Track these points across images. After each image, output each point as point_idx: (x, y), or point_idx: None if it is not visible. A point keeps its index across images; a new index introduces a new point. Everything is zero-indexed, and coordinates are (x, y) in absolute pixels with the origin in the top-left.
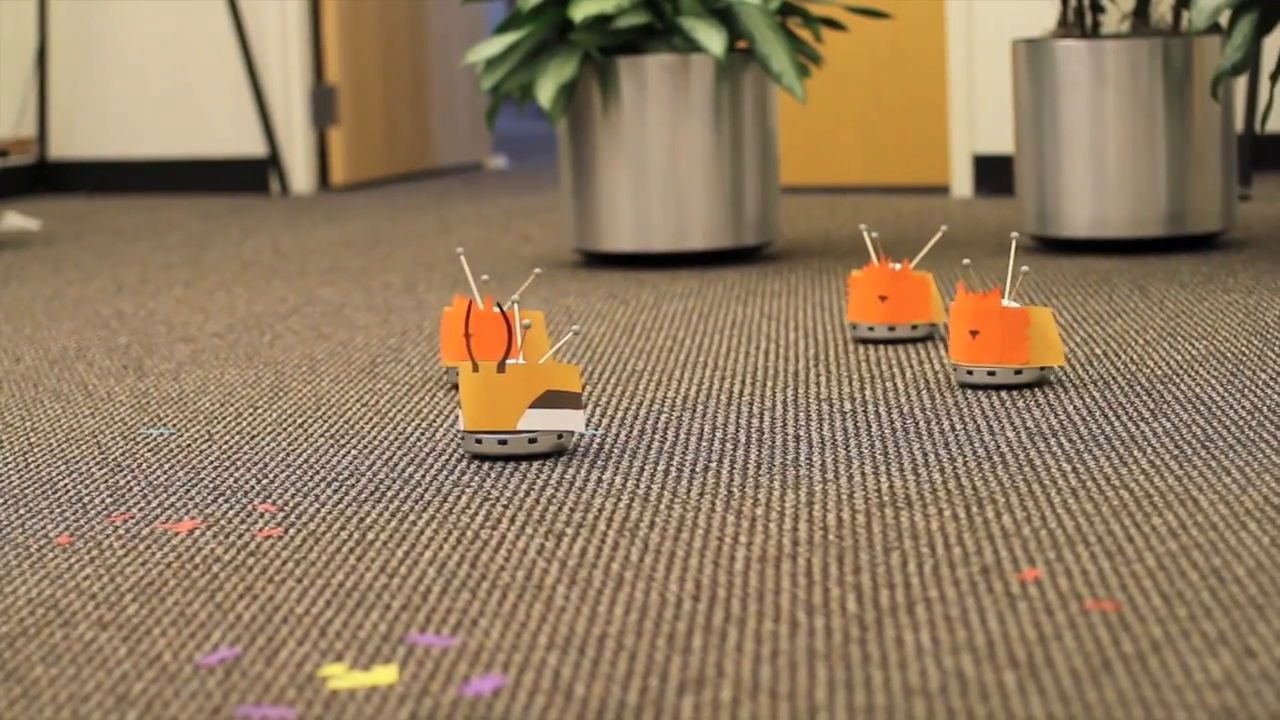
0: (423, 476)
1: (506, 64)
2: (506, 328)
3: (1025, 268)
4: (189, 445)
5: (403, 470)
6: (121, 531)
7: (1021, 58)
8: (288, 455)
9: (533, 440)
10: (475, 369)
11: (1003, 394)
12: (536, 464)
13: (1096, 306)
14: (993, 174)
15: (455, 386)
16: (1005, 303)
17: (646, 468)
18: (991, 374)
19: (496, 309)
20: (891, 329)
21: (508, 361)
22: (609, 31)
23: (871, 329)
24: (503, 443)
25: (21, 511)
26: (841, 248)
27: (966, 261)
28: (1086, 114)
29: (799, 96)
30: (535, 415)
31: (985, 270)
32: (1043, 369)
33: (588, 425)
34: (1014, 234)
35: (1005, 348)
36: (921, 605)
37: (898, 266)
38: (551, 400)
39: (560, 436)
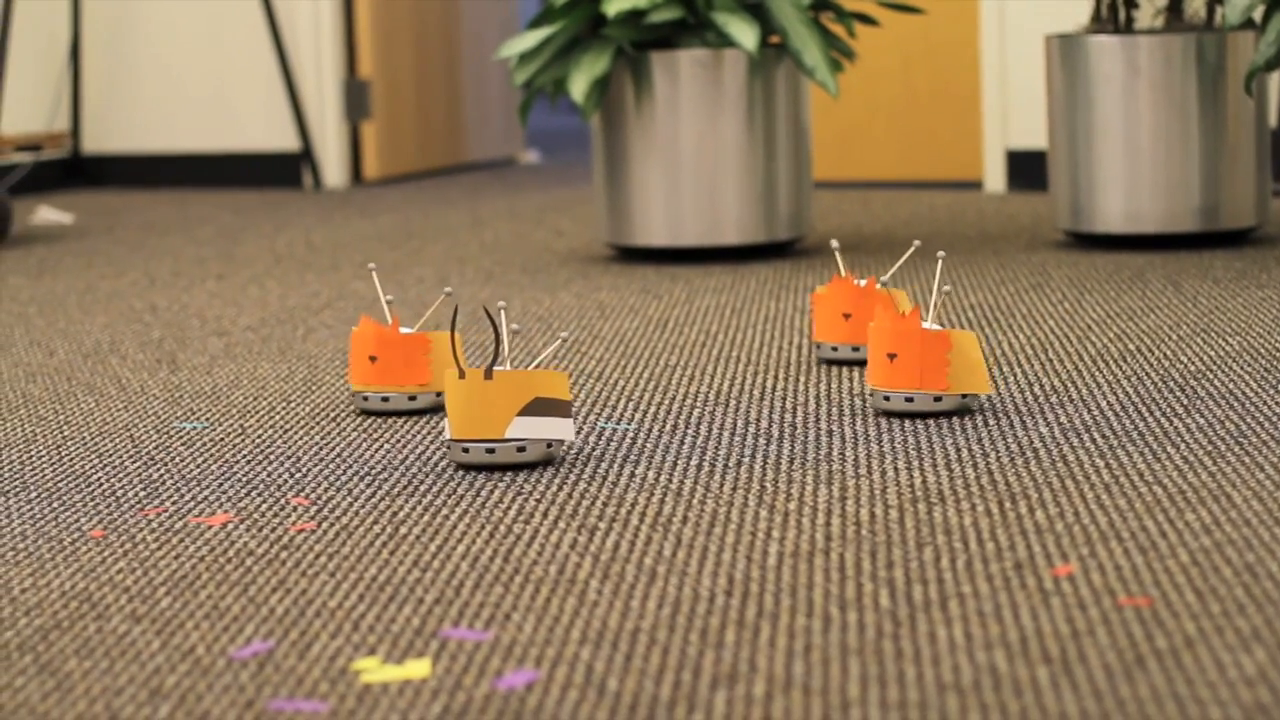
0: (455, 470)
1: (539, 59)
2: (494, 332)
3: (947, 287)
4: (222, 439)
5: (435, 464)
6: (155, 525)
7: (1055, 53)
8: (320, 449)
9: (521, 449)
10: (462, 375)
11: (1037, 390)
12: (569, 459)
13: (1130, 302)
14: (1026, 169)
15: (364, 413)
16: (926, 325)
17: (679, 462)
18: (909, 400)
19: (484, 316)
20: (856, 349)
21: (494, 368)
22: (642, 26)
23: (835, 349)
24: (490, 451)
25: (55, 505)
26: (874, 243)
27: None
28: (1120, 109)
29: (832, 91)
30: (523, 423)
31: (1017, 265)
32: (965, 396)
33: (620, 419)
34: (940, 253)
35: (925, 373)
36: (954, 601)
37: (863, 282)
38: (540, 408)
39: (549, 445)
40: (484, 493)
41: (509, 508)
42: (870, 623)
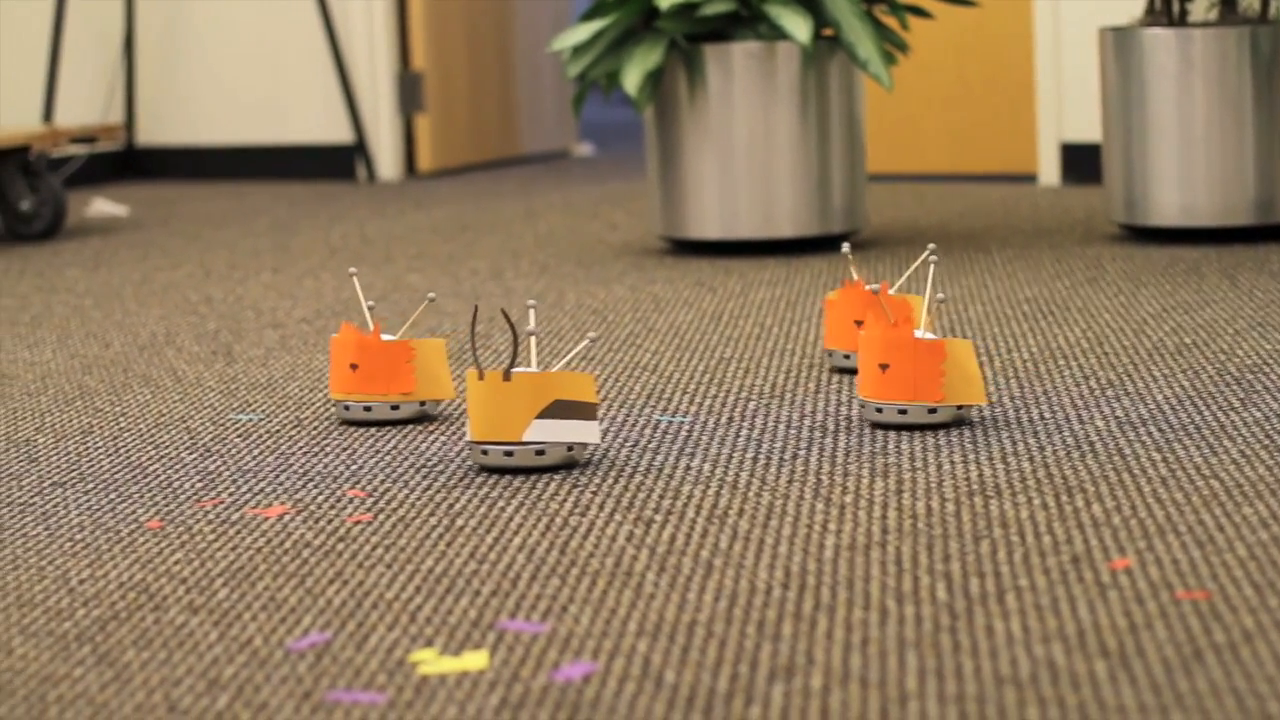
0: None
1: (593, 51)
2: (512, 334)
3: (941, 295)
4: (278, 430)
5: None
6: (211, 516)
7: (1109, 46)
8: (376, 441)
9: (540, 452)
10: (481, 376)
11: (1093, 383)
12: (625, 451)
13: (1185, 296)
14: (1080, 162)
15: (346, 423)
16: (919, 334)
17: (735, 455)
18: (903, 412)
19: (505, 320)
20: None
21: (514, 370)
22: (695, 19)
23: (848, 357)
24: (509, 454)
25: (112, 496)
26: (928, 236)
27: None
28: (1174, 102)
29: (885, 84)
30: (542, 426)
31: (1072, 259)
32: (960, 408)
33: (676, 412)
34: (933, 257)
35: (918, 384)
36: (1011, 594)
37: (875, 288)
38: (561, 410)
39: (570, 448)
40: (540, 485)
41: (565, 500)
42: (927, 616)
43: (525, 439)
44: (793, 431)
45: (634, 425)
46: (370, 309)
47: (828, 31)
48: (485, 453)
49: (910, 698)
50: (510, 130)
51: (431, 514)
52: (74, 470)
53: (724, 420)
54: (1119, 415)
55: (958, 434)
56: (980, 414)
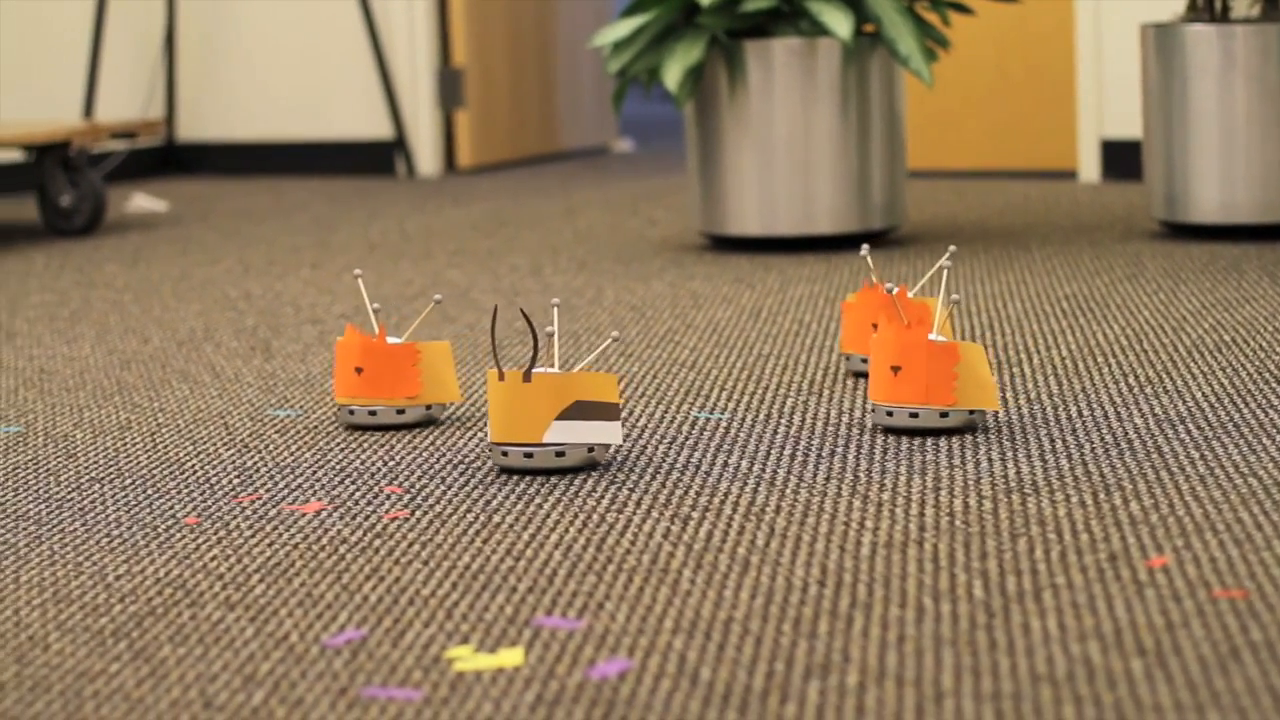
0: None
1: (633, 47)
2: (532, 335)
3: (956, 296)
4: (316, 427)
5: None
6: (249, 512)
7: (1150, 42)
8: (414, 437)
9: (560, 454)
10: (501, 377)
11: (1131, 381)
12: (663, 448)
13: (1225, 293)
14: (1121, 159)
15: (351, 428)
16: (932, 336)
17: (773, 452)
18: (914, 416)
19: (525, 320)
20: None
21: (534, 370)
22: (736, 15)
23: (865, 361)
24: (528, 456)
25: (149, 492)
26: (968, 232)
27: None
28: (1215, 99)
29: (926, 80)
30: (562, 427)
31: (1111, 256)
32: (972, 412)
33: (714, 409)
34: (946, 261)
35: (930, 387)
36: (1049, 592)
37: (892, 289)
38: (581, 411)
39: (591, 450)
40: (577, 482)
41: (602, 497)
42: (964, 613)
43: (545, 440)
44: (830, 428)
45: (671, 422)
46: (376, 311)
47: (869, 28)
48: (505, 454)
49: (946, 695)
50: (550, 126)
51: (468, 511)
52: (112, 466)
53: (762, 417)
54: (1157, 413)
55: (995, 431)
56: (1019, 411)
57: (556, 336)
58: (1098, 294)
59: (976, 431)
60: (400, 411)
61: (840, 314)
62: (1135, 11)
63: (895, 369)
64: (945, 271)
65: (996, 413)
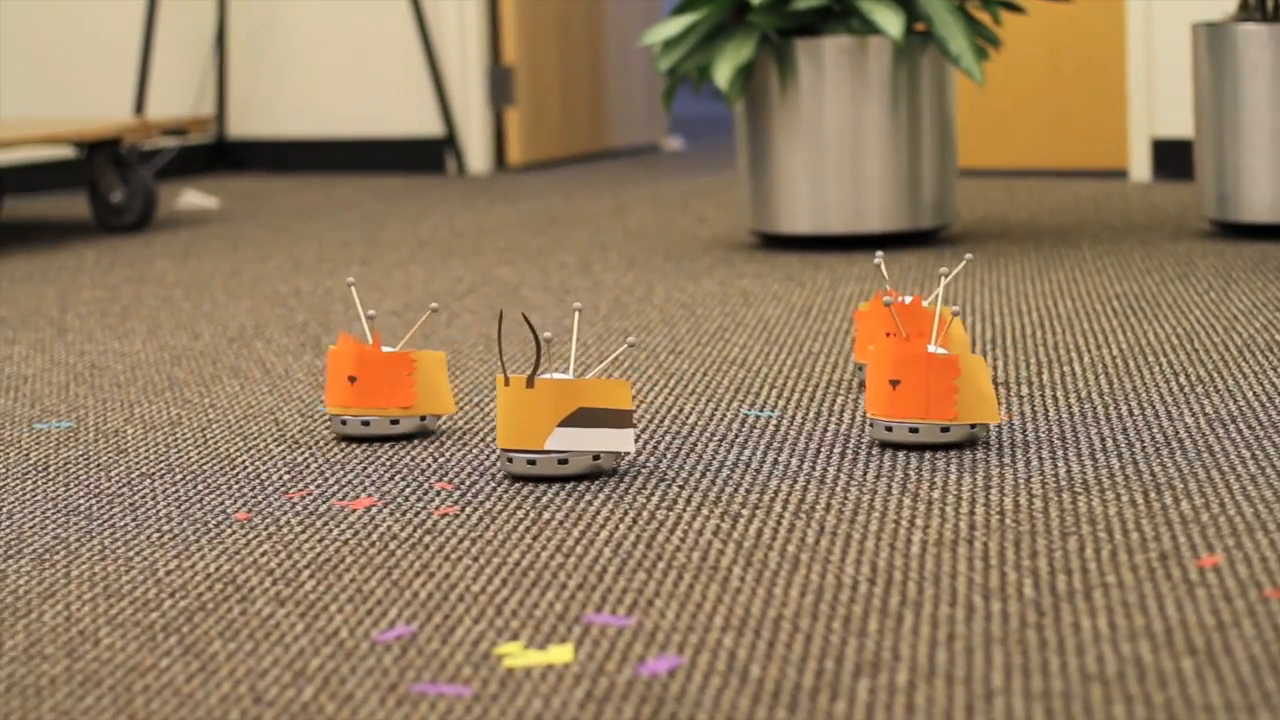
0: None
1: (684, 45)
2: (535, 339)
3: (956, 308)
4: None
5: None
6: (299, 508)
7: (1202, 41)
8: (464, 433)
9: (563, 461)
10: (507, 382)
11: (1182, 380)
12: (713, 446)
13: (1276, 292)
14: (1172, 158)
15: (343, 439)
16: (931, 348)
17: (822, 450)
18: (914, 431)
19: (527, 325)
20: None
21: (538, 376)
22: (786, 13)
23: None
24: (531, 463)
25: (200, 487)
26: (1019, 231)
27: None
28: (1267, 98)
29: (977, 79)
30: (564, 434)
31: (1162, 255)
32: (974, 426)
33: (764, 406)
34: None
35: (931, 401)
36: (1099, 591)
37: (908, 299)
38: (585, 418)
39: (597, 458)
40: (626, 479)
41: (652, 494)
42: (1014, 612)
43: (547, 447)
44: None
45: (722, 419)
46: (370, 319)
47: (919, 26)
48: (510, 460)
49: (996, 694)
50: (600, 124)
51: (518, 507)
52: (162, 461)
53: (811, 415)
54: (1208, 412)
55: (1045, 430)
56: (1069, 410)
57: (575, 341)
58: (1148, 293)
59: (1050, 423)
60: (394, 422)
61: (853, 323)
62: (1187, 11)
63: (894, 383)
64: (944, 280)
65: (999, 425)
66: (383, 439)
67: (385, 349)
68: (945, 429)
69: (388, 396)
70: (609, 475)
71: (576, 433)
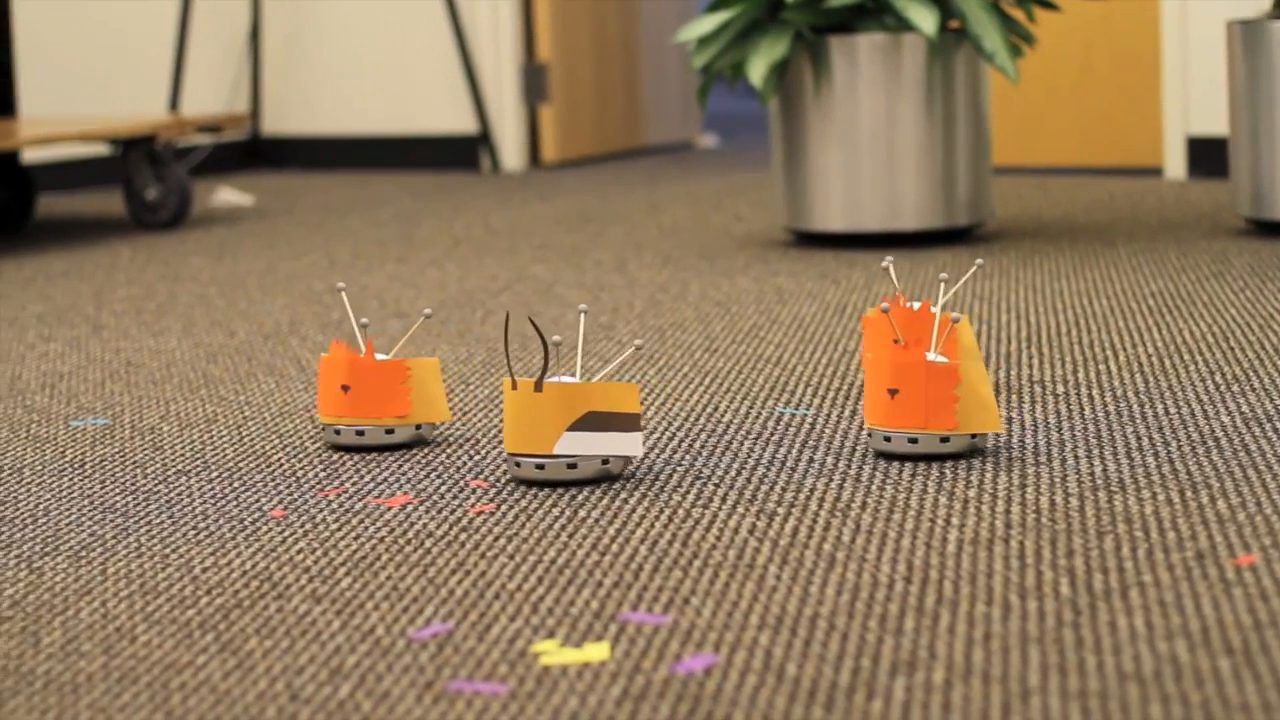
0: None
1: (718, 42)
2: (542, 344)
3: (957, 315)
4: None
5: None
6: (335, 506)
7: (1237, 38)
8: (500, 431)
9: (572, 465)
10: (514, 386)
11: (1218, 378)
12: (748, 444)
13: None
14: (1207, 156)
15: (335, 448)
16: (931, 356)
17: (858, 448)
18: (913, 441)
19: (534, 329)
20: None
21: (546, 379)
22: (821, 10)
23: None
24: (540, 468)
25: (236, 485)
26: (1053, 229)
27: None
28: None
29: (1011, 76)
30: (573, 438)
31: (1198, 253)
32: (974, 436)
33: (799, 405)
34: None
35: (930, 411)
36: (1135, 590)
37: (916, 305)
38: (595, 422)
39: (606, 462)
40: (662, 477)
41: (688, 492)
42: (1050, 611)
43: (556, 452)
44: None
45: (757, 418)
46: (364, 327)
47: (954, 24)
48: (518, 465)
49: (1032, 693)
50: (634, 121)
51: (554, 505)
52: (198, 458)
53: (847, 413)
54: (1245, 411)
55: (1081, 428)
56: (1105, 409)
57: (581, 344)
58: (1184, 291)
59: (1086, 422)
60: (389, 431)
61: (861, 329)
62: (1222, 8)
63: (892, 392)
64: (943, 285)
65: (999, 435)
66: (378, 449)
67: (379, 357)
68: (945, 439)
69: (382, 406)
70: (619, 478)
71: (586, 436)
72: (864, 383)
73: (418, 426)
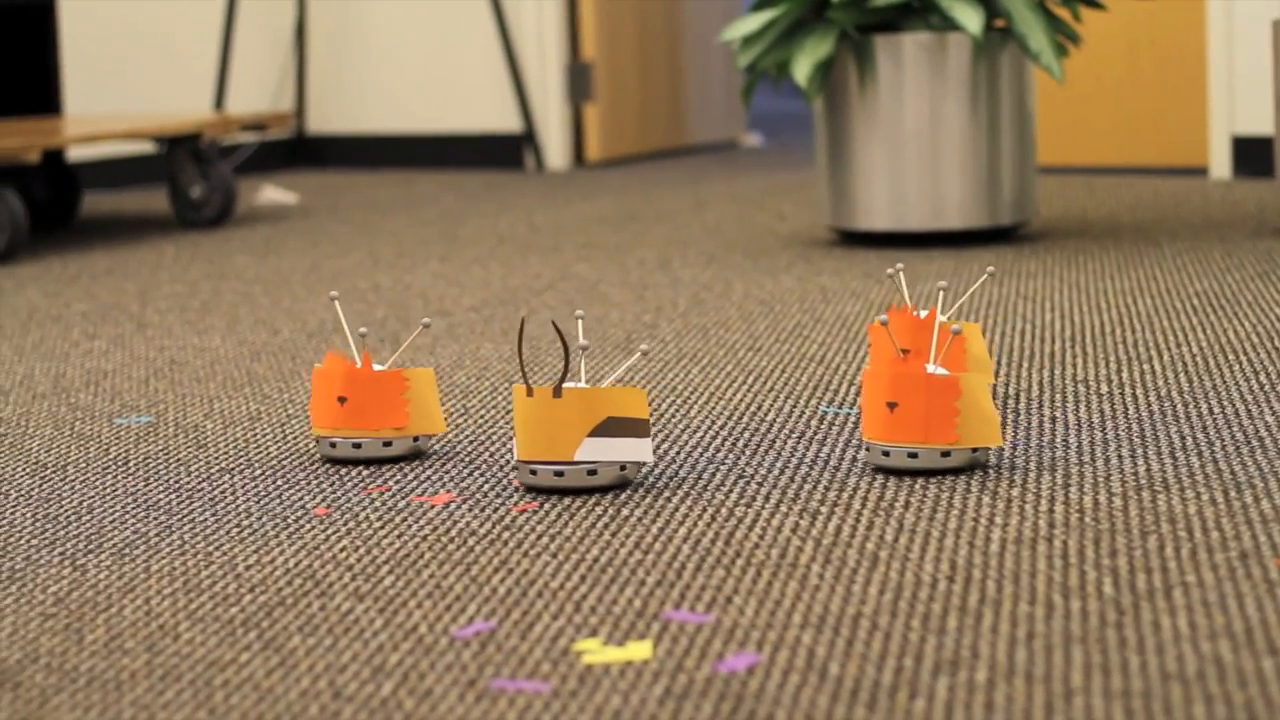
0: (676, 453)
1: (763, 41)
2: (563, 348)
3: (957, 326)
4: (445, 418)
5: (657, 446)
6: (378, 504)
7: None
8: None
9: (592, 472)
10: (529, 393)
11: (1263, 378)
12: (791, 442)
13: None
14: (1252, 156)
15: (330, 460)
16: (931, 369)
17: None
18: (913, 456)
19: (553, 329)
20: None
21: (564, 385)
22: (866, 10)
23: None
24: (559, 474)
25: (279, 483)
26: (1098, 229)
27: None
28: None
29: (1057, 76)
30: (594, 445)
31: (1242, 253)
32: (976, 450)
33: (843, 403)
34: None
35: (930, 425)
36: (1179, 590)
37: (924, 314)
38: (613, 428)
39: (623, 468)
40: (705, 475)
41: (730, 490)
42: (1093, 611)
43: (577, 458)
44: None
45: (800, 416)
46: (362, 336)
47: (999, 23)
48: (534, 472)
49: (1075, 693)
50: (679, 120)
51: (597, 503)
52: (242, 456)
53: None
54: None
55: (1125, 428)
56: (1149, 408)
57: (581, 349)
58: (1229, 291)
59: (1130, 421)
60: (387, 444)
61: (868, 338)
62: (1267, 7)
63: (891, 405)
64: (941, 294)
65: (1001, 449)
66: (375, 462)
67: (376, 367)
68: (946, 454)
69: (380, 418)
70: (634, 483)
71: (605, 443)
72: (862, 395)
73: (415, 438)
